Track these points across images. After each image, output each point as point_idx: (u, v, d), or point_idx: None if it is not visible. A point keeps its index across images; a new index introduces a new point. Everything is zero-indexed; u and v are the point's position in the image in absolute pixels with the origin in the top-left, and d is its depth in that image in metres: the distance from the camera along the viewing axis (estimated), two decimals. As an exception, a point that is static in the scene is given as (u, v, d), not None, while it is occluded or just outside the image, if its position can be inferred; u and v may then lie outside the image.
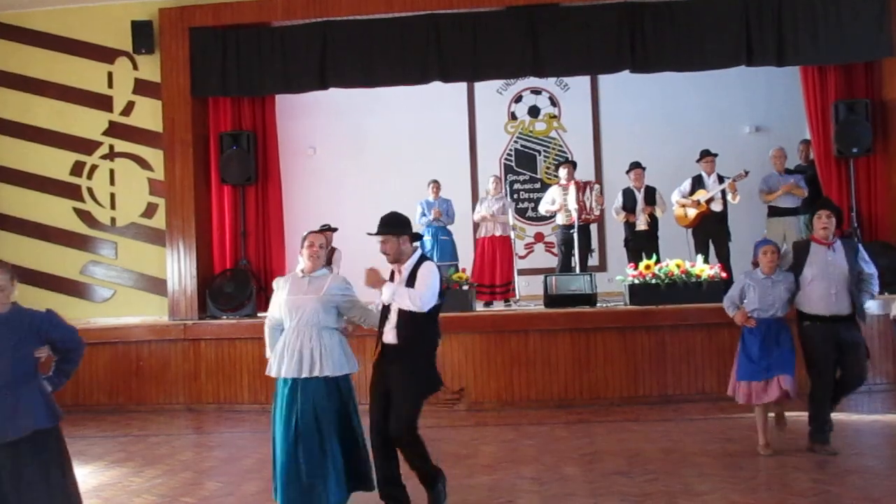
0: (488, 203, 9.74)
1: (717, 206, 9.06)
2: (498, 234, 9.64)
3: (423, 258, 4.73)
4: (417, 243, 4.82)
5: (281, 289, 4.75)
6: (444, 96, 10.69)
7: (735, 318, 5.78)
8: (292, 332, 4.61)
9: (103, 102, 9.59)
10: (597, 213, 9.41)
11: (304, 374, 4.54)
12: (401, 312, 4.58)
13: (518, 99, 11.64)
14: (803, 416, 5.85)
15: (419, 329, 4.60)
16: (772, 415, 5.89)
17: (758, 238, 9.33)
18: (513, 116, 11.66)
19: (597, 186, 9.44)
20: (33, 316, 3.78)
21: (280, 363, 4.60)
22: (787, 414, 5.94)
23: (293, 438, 4.51)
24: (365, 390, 4.74)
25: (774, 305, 5.65)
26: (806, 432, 5.78)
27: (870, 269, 5.69)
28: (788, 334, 5.69)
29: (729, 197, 8.97)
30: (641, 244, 9.23)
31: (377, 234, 4.68)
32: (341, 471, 4.54)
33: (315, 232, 4.87)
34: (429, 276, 4.59)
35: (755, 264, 5.79)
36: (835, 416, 6.20)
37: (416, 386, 4.60)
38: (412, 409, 4.58)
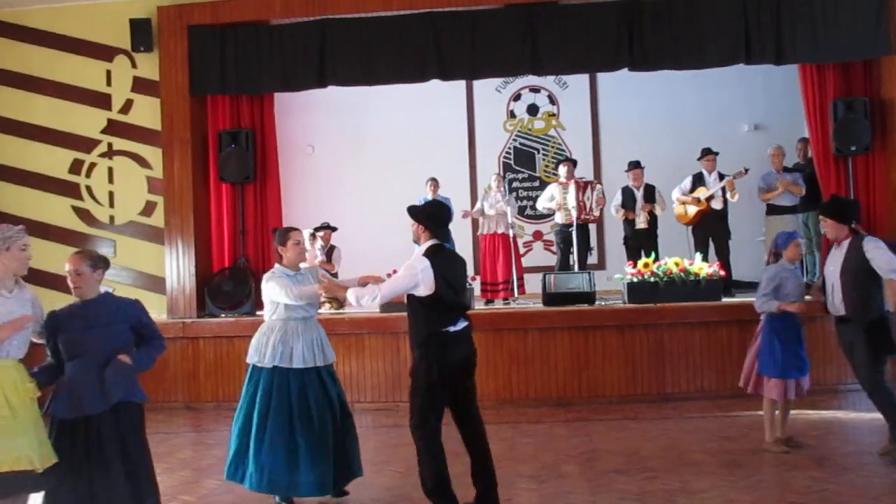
0: (490, 200, 9.73)
1: (717, 204, 9.07)
2: (500, 231, 9.60)
3: (429, 249, 4.57)
4: (433, 241, 4.62)
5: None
6: (443, 94, 10.66)
7: (790, 308, 5.48)
8: (303, 323, 4.94)
9: (102, 100, 9.57)
10: (596, 213, 9.38)
11: (330, 361, 5.00)
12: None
13: (517, 97, 11.63)
14: (803, 414, 5.85)
15: (415, 319, 4.57)
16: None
17: (758, 236, 9.46)
18: (511, 114, 11.65)
19: (598, 187, 9.38)
20: (121, 301, 4.13)
21: (306, 353, 4.88)
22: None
23: (320, 424, 4.83)
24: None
25: (801, 296, 5.64)
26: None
27: (878, 262, 5.19)
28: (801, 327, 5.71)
29: (728, 195, 8.98)
30: (641, 242, 9.25)
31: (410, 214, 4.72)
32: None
33: (296, 229, 5.14)
34: (401, 270, 4.58)
35: (777, 256, 5.65)
36: (833, 413, 6.22)
37: (416, 381, 4.55)
38: (415, 404, 4.51)
